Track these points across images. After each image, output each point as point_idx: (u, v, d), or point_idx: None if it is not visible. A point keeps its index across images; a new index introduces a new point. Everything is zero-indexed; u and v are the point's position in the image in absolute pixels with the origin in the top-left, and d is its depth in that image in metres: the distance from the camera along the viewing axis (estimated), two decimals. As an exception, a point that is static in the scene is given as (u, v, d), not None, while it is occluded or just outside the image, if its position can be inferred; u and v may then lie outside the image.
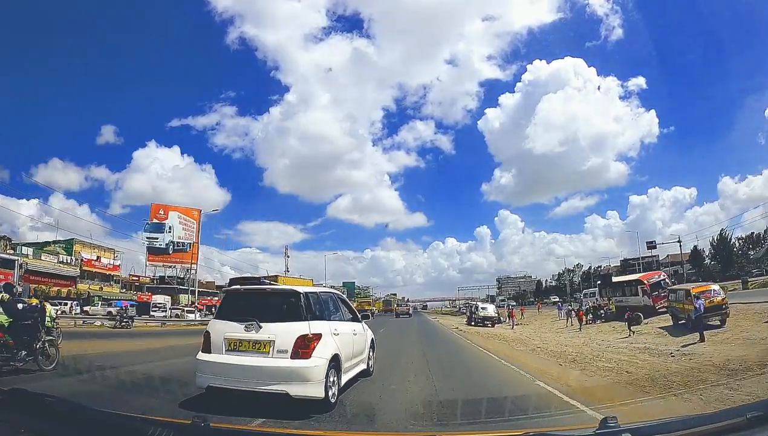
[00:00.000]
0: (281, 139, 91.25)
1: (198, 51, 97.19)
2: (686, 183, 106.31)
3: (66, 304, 30.96)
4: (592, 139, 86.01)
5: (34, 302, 8.24)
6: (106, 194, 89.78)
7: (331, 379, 5.09)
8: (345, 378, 5.77)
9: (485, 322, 29.00)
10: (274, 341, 4.88)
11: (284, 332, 4.93)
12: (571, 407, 5.26)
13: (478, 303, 34.19)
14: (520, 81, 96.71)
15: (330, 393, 4.98)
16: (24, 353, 7.16)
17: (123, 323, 22.32)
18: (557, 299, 39.50)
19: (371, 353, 7.56)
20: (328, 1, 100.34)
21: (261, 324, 4.97)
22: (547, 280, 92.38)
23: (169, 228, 58.81)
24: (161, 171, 79.23)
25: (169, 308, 38.93)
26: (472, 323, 30.09)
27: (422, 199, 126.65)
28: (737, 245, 56.19)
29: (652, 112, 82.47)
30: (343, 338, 5.83)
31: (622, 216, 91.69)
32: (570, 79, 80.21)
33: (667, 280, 23.82)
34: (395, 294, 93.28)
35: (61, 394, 2.59)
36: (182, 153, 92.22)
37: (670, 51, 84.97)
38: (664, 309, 22.13)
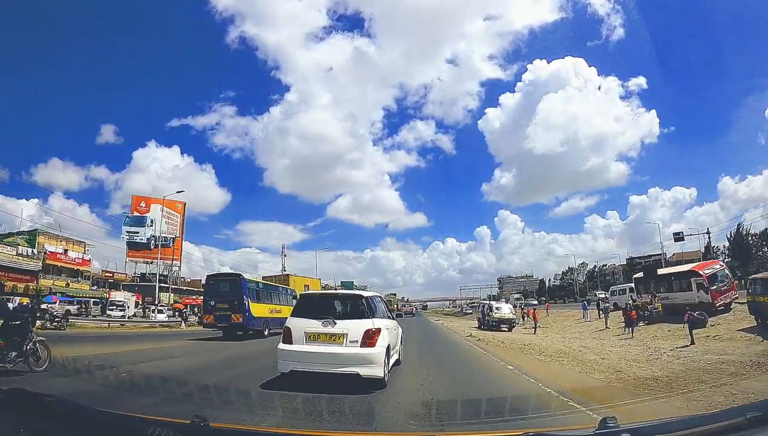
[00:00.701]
0: (281, 139, 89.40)
1: (198, 51, 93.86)
2: (686, 183, 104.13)
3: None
4: (592, 139, 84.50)
5: (25, 301, 6.86)
6: (106, 194, 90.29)
7: (386, 363, 6.36)
8: (390, 363, 6.91)
9: (501, 325, 24.65)
10: (346, 333, 6.19)
11: (354, 327, 6.24)
12: (571, 407, 5.16)
13: (492, 303, 29.71)
14: (520, 81, 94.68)
15: (386, 375, 6.27)
16: (14, 353, 6.98)
17: (55, 324, 18.07)
18: (603, 295, 33.91)
19: (401, 347, 8.80)
20: (329, 1, 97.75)
21: (335, 321, 6.31)
22: (550, 279, 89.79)
23: (151, 222, 56.34)
24: (161, 171, 76.68)
25: (131, 307, 35.49)
26: (484, 327, 25.82)
27: (422, 199, 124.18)
28: (751, 241, 53.28)
29: (653, 112, 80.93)
30: (390, 332, 7.09)
31: (622, 216, 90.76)
32: (570, 78, 78.25)
33: (726, 270, 19.63)
34: (395, 294, 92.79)
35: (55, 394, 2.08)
36: (182, 153, 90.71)
37: (670, 51, 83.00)
38: (723, 307, 18.27)
